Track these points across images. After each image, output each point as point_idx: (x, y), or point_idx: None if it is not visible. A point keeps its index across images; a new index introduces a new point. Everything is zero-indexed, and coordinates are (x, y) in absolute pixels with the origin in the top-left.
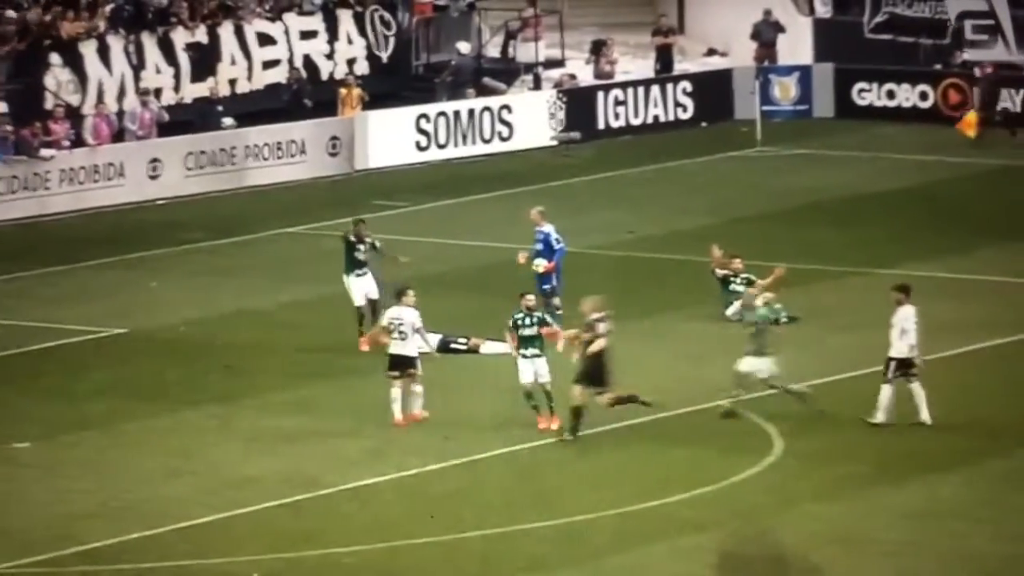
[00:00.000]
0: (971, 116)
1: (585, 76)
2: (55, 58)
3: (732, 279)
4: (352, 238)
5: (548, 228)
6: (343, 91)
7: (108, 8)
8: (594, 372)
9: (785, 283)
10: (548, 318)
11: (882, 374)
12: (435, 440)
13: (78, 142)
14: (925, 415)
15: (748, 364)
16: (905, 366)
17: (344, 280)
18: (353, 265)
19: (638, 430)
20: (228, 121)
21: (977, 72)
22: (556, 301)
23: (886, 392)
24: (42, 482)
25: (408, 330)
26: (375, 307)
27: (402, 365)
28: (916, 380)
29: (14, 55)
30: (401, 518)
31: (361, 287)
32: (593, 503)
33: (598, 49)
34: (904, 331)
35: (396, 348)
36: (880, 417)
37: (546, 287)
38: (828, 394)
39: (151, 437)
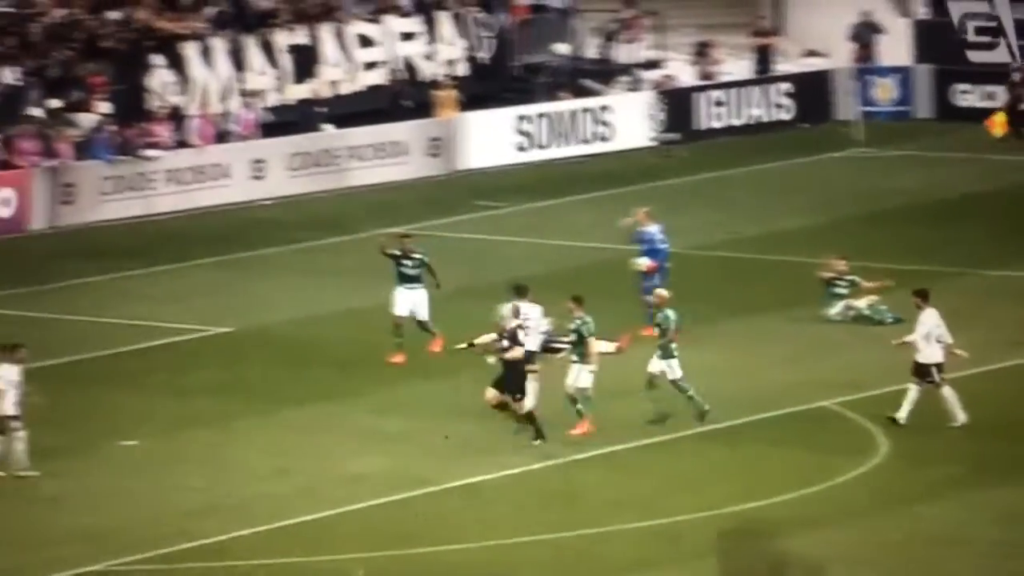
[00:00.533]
0: (999, 116)
1: (684, 77)
2: (158, 59)
3: (836, 281)
4: (397, 252)
5: (654, 228)
6: (439, 93)
7: (211, 10)
8: (509, 378)
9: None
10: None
11: (927, 382)
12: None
13: (180, 143)
14: (903, 416)
15: (655, 365)
16: (933, 371)
17: (394, 291)
18: (402, 279)
19: (740, 431)
20: (329, 128)
21: (1017, 76)
22: None
23: (948, 393)
24: (151, 480)
25: (535, 324)
26: (424, 327)
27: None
28: (922, 387)
29: (117, 56)
30: (504, 517)
31: (407, 300)
32: (695, 503)
33: (702, 50)
34: (929, 335)
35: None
36: (961, 418)
37: (648, 286)
38: (931, 395)
39: (259, 435)
